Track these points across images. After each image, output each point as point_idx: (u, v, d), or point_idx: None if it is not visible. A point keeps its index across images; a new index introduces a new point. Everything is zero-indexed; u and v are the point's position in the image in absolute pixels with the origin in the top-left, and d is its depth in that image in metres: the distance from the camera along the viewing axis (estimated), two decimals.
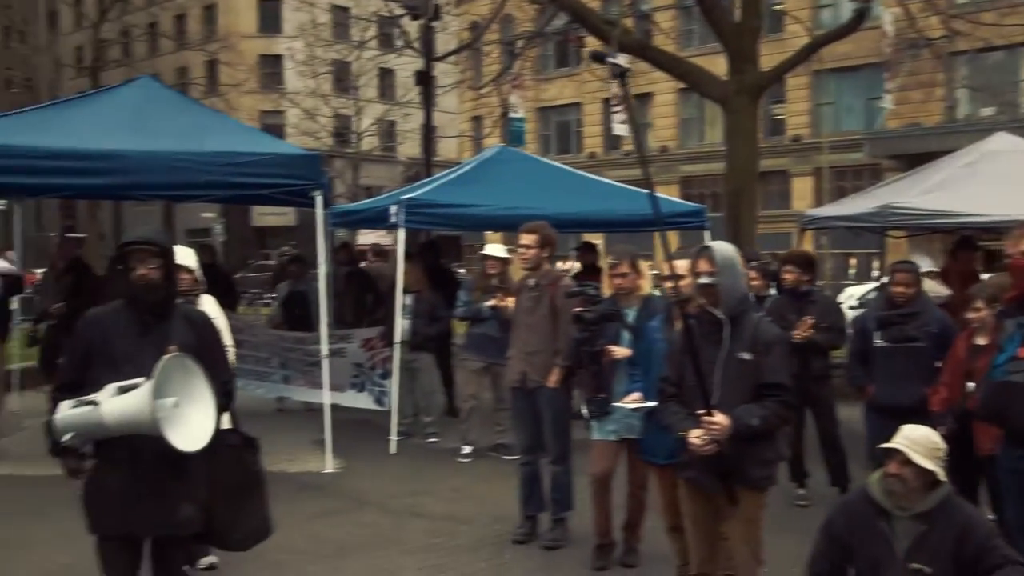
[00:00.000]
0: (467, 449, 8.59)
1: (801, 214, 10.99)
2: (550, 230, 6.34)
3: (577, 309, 5.57)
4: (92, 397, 3.52)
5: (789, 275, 7.17)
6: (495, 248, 8.79)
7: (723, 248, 4.21)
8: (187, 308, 4.03)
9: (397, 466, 8.26)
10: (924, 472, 3.75)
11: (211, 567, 5.32)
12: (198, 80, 40.87)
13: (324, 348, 8.29)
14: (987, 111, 26.81)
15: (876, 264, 26.38)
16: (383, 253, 12.65)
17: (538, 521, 6.35)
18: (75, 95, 10.74)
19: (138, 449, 3.59)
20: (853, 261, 28.68)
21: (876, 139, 27.57)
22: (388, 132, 38.15)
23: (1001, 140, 9.53)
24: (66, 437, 3.56)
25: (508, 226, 10.41)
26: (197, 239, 45.87)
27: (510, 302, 7.65)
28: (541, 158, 12.72)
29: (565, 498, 6.26)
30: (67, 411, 3.58)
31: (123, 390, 3.51)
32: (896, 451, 3.78)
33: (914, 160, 15.53)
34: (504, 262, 8.59)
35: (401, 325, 8.94)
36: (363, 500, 7.19)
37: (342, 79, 30.76)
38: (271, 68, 44.52)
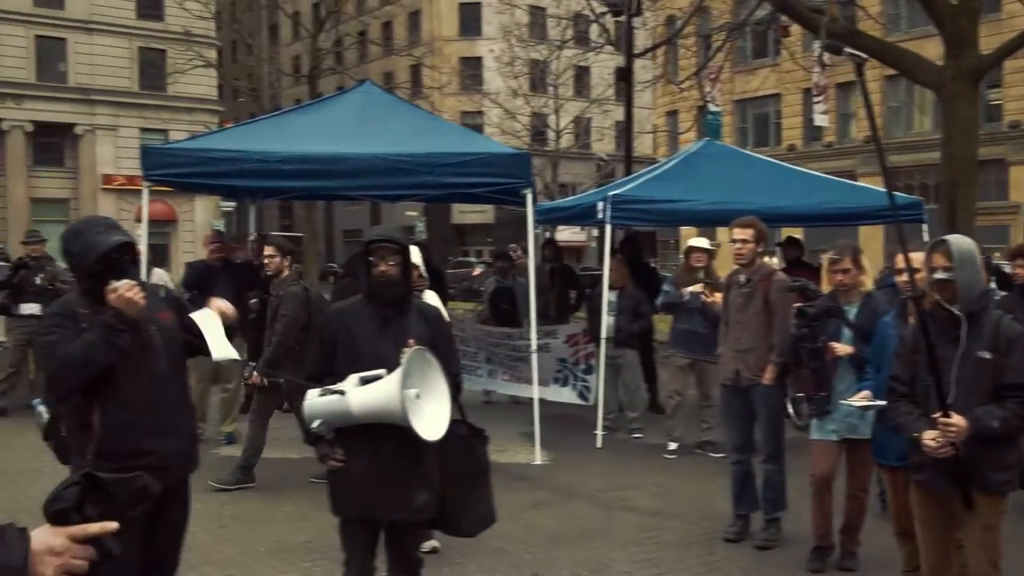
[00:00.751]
0: (673, 446, 8.51)
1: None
2: (763, 224, 6.19)
3: (798, 304, 5.40)
4: (338, 387, 3.72)
5: (1021, 269, 6.70)
6: (701, 241, 8.66)
7: (961, 242, 3.97)
8: (420, 303, 4.20)
9: (604, 460, 8.29)
10: None
11: (433, 551, 5.51)
12: (403, 84, 42.42)
13: (534, 342, 8.43)
14: None
15: None
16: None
17: (750, 520, 6.23)
18: (306, 103, 11.44)
19: (380, 438, 3.76)
20: None
21: None
22: (583, 130, 38.35)
23: None
24: (315, 424, 3.75)
25: (714, 221, 10.29)
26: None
27: (717, 297, 7.54)
28: (745, 151, 12.41)
29: (778, 497, 6.11)
30: (315, 399, 3.76)
31: (364, 381, 3.70)
32: None
33: None
34: (710, 255, 8.46)
35: (606, 321, 8.96)
36: (573, 492, 7.26)
37: (540, 78, 31.16)
38: (471, 70, 45.68)
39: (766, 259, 7.46)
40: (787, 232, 11.84)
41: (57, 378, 3.33)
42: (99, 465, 3.26)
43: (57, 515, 1.67)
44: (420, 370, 3.70)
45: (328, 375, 3.87)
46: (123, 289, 3.37)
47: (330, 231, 45.33)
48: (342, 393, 3.70)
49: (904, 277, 4.47)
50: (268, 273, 7.45)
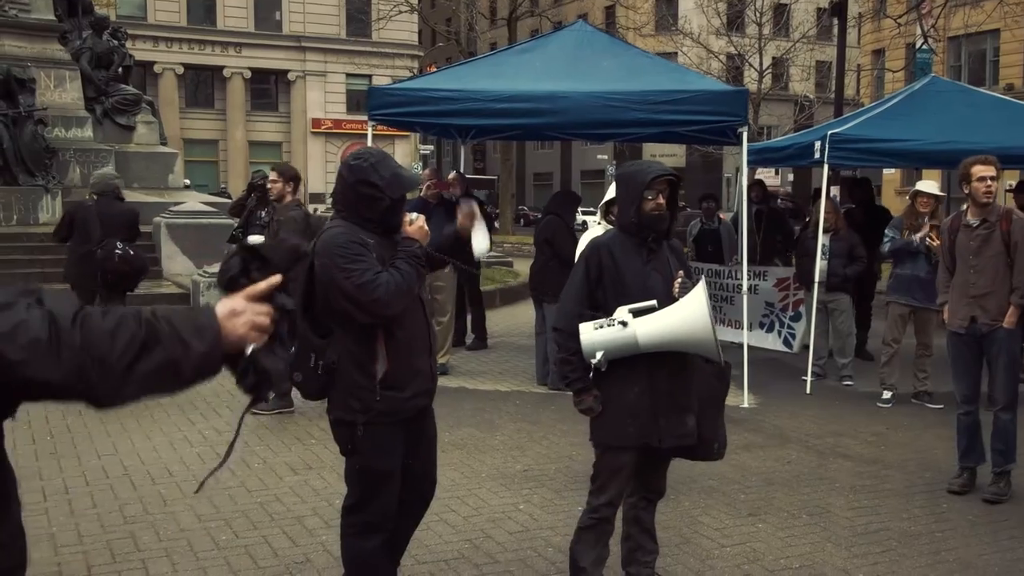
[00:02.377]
0: (887, 395, 8.14)
1: None
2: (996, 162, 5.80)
3: None
4: (616, 319, 3.75)
5: None
6: (928, 184, 8.16)
7: None
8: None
9: (814, 406, 8.05)
10: None
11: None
12: (598, 26, 41.94)
13: (745, 282, 8.25)
14: None
15: None
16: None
17: (976, 473, 5.94)
18: (520, 42, 11.50)
19: (653, 366, 3.82)
20: None
21: None
22: (782, 70, 36.76)
23: None
24: (597, 357, 3.78)
25: (941, 162, 9.65)
26: (589, 180, 47.55)
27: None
28: (977, 88, 11.53)
29: (1010, 449, 5.80)
30: (593, 332, 3.79)
31: (636, 312, 3.75)
32: None
33: None
34: (937, 200, 7.97)
35: (819, 265, 8.63)
36: (784, 436, 7.10)
37: (739, 16, 30.01)
38: (667, 9, 44.56)
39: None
40: (1017, 176, 11.01)
41: (383, 304, 3.39)
42: (386, 394, 3.48)
43: (229, 282, 1.89)
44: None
45: (592, 307, 3.89)
46: (420, 222, 3.59)
47: (522, 174, 45.72)
48: (624, 324, 3.72)
49: None
50: (271, 198, 7.51)
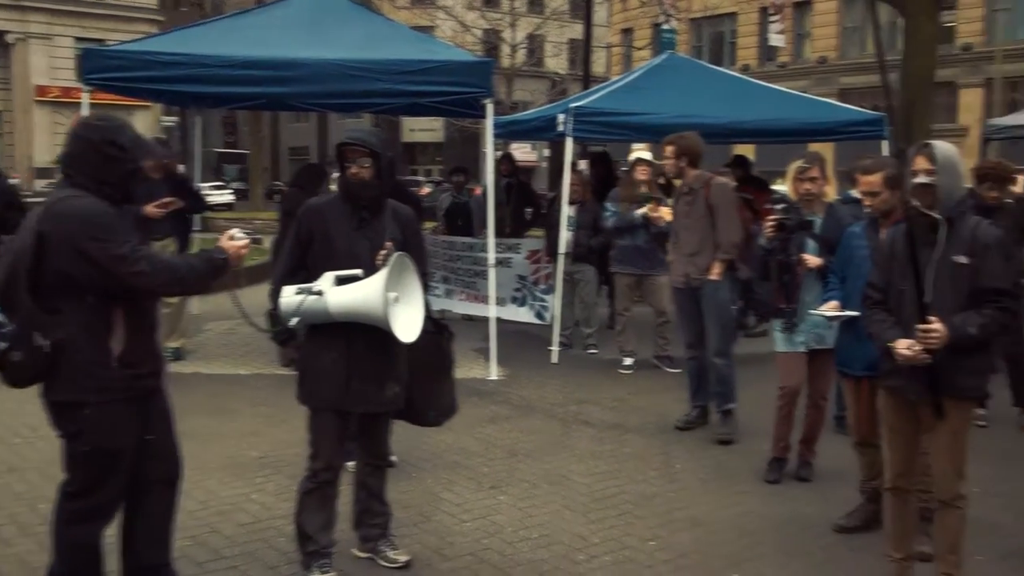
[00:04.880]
0: (628, 361, 8.50)
1: (986, 125, 10.23)
2: (688, 140, 6.57)
3: (776, 218, 5.36)
4: (315, 286, 3.80)
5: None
6: (646, 152, 8.51)
7: (944, 146, 3.90)
8: (396, 205, 4.16)
9: (559, 376, 8.27)
10: None
11: (391, 465, 5.42)
12: None
13: (491, 256, 8.30)
14: None
15: None
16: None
17: (707, 413, 6.67)
18: (253, 7, 10.95)
19: (352, 333, 3.89)
20: (1022, 178, 26.82)
21: None
22: (536, 47, 37.70)
23: None
24: (292, 322, 3.83)
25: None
26: None
27: (665, 212, 7.54)
28: (714, 67, 12.20)
29: (728, 390, 6.47)
30: (292, 297, 3.83)
31: (341, 280, 3.80)
32: None
33: None
34: (654, 167, 8.33)
35: (564, 236, 8.85)
36: (529, 407, 7.23)
37: None
38: None
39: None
40: (740, 148, 11.78)
41: (146, 276, 3.32)
42: (123, 371, 3.37)
43: None
44: (399, 274, 3.81)
45: (301, 268, 3.95)
46: (242, 243, 3.58)
47: (276, 148, 44.35)
48: (320, 293, 3.77)
49: (867, 200, 4.55)
50: None
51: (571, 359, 8.88)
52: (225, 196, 35.85)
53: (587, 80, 15.57)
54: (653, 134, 9.33)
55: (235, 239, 3.57)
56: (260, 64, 7.56)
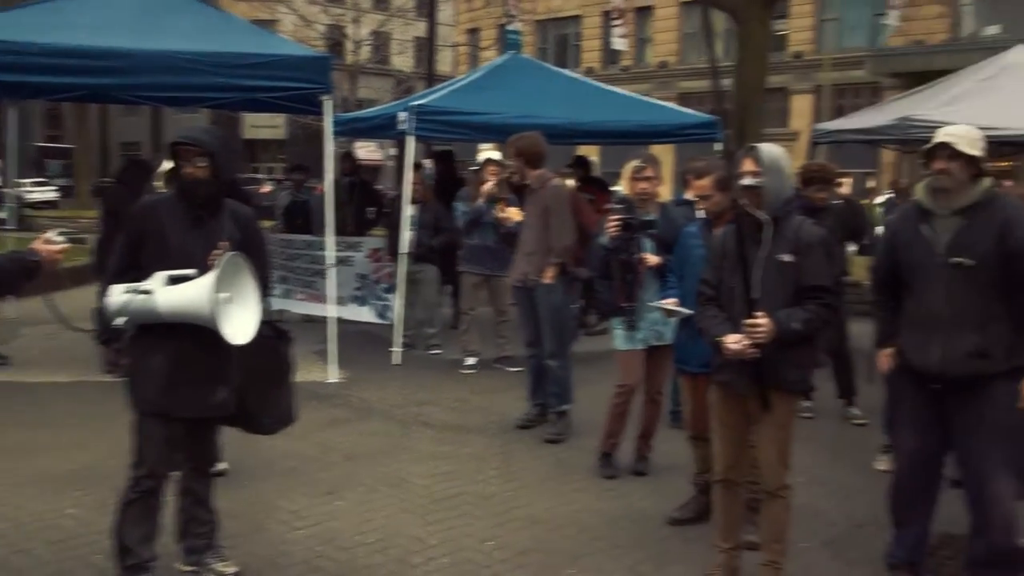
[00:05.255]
0: (470, 361, 8.53)
1: (814, 130, 10.77)
2: (527, 141, 6.62)
3: (621, 217, 5.47)
4: (145, 285, 3.67)
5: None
6: (495, 153, 8.58)
7: (770, 149, 4.07)
8: (235, 205, 4.05)
9: (401, 377, 8.21)
10: (970, 163, 3.83)
11: (221, 473, 5.25)
12: None
13: (331, 257, 8.16)
14: (992, 29, 26.32)
15: (871, 183, 26.19)
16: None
17: (546, 410, 6.73)
18: None
19: (180, 335, 3.75)
20: (848, 180, 28.42)
21: (879, 57, 27.12)
22: (381, 43, 37.39)
23: (1020, 53, 9.30)
24: (119, 321, 3.69)
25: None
26: None
27: (513, 212, 7.59)
28: (556, 68, 12.39)
29: (564, 392, 6.59)
30: (120, 296, 3.69)
31: (173, 280, 3.68)
32: (942, 145, 3.85)
33: (917, 79, 15.24)
34: (503, 167, 8.39)
35: (406, 236, 8.78)
36: (369, 409, 7.14)
37: None
38: None
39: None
40: (584, 149, 12.02)
41: None
42: None
43: None
44: (233, 274, 3.70)
45: (133, 268, 3.80)
46: (58, 248, 3.50)
47: (105, 143, 42.26)
48: (149, 292, 3.65)
49: (700, 203, 4.72)
50: None
51: (413, 360, 8.83)
52: (48, 193, 34.00)
53: (431, 79, 15.54)
54: (495, 134, 9.40)
55: (51, 242, 3.45)
56: (81, 53, 7.15)
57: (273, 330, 4.14)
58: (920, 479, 4.14)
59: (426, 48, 17.25)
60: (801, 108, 31.11)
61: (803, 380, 4.09)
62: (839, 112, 24.82)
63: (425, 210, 9.01)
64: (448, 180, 10.20)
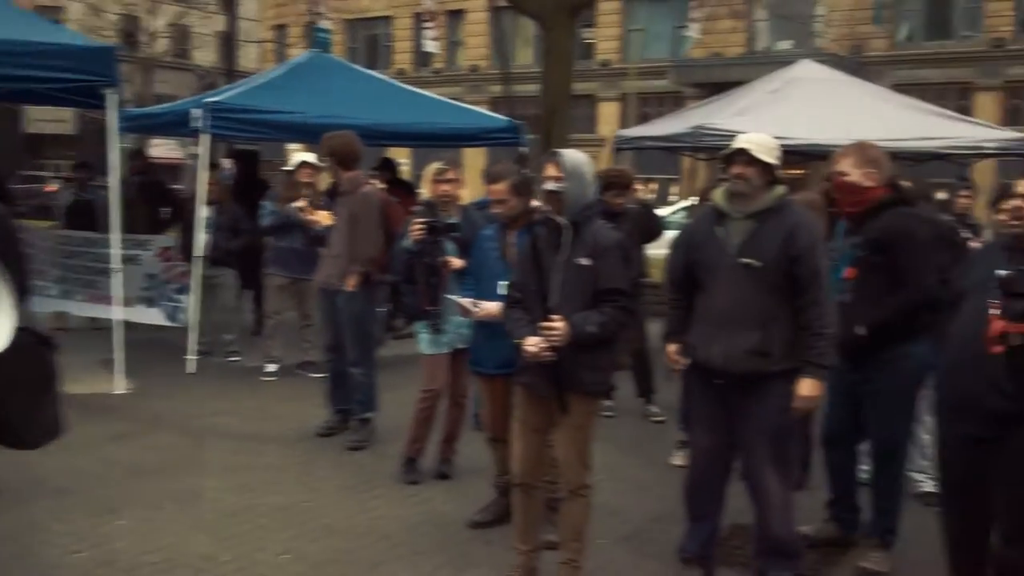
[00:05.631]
0: (271, 367, 8.30)
1: (616, 136, 11.14)
2: (337, 141, 6.46)
3: (426, 220, 5.43)
4: None
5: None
6: (309, 155, 8.40)
7: (572, 155, 4.16)
8: None
9: (196, 386, 7.88)
10: (766, 169, 4.00)
11: None
12: None
13: (117, 259, 7.73)
14: (785, 44, 28.12)
15: (675, 189, 27.44)
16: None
17: (348, 417, 6.62)
18: None
19: None
20: (653, 186, 29.61)
21: (681, 67, 28.48)
22: (181, 36, 35.97)
23: (804, 68, 9.95)
24: None
25: (320, 136, 10.00)
26: None
27: (321, 216, 7.43)
28: (360, 68, 12.23)
29: (368, 399, 6.50)
30: None
31: None
32: (740, 151, 4.02)
33: (716, 89, 16.09)
34: (318, 170, 8.24)
35: (202, 238, 8.45)
36: (159, 422, 6.81)
37: None
38: None
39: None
40: (394, 152, 11.95)
41: None
42: None
43: None
44: None
45: None
46: None
47: None
48: None
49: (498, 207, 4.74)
50: None
51: (210, 368, 8.50)
52: None
53: (231, 74, 15.08)
54: (297, 133, 9.21)
55: None
56: None
57: (34, 336, 3.85)
58: (711, 474, 4.31)
59: (229, 43, 16.70)
60: (608, 115, 32.15)
61: (601, 383, 4.18)
62: (644, 119, 25.74)
63: (222, 212, 8.70)
64: (250, 181, 9.89)
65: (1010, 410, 3.40)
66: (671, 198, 25.58)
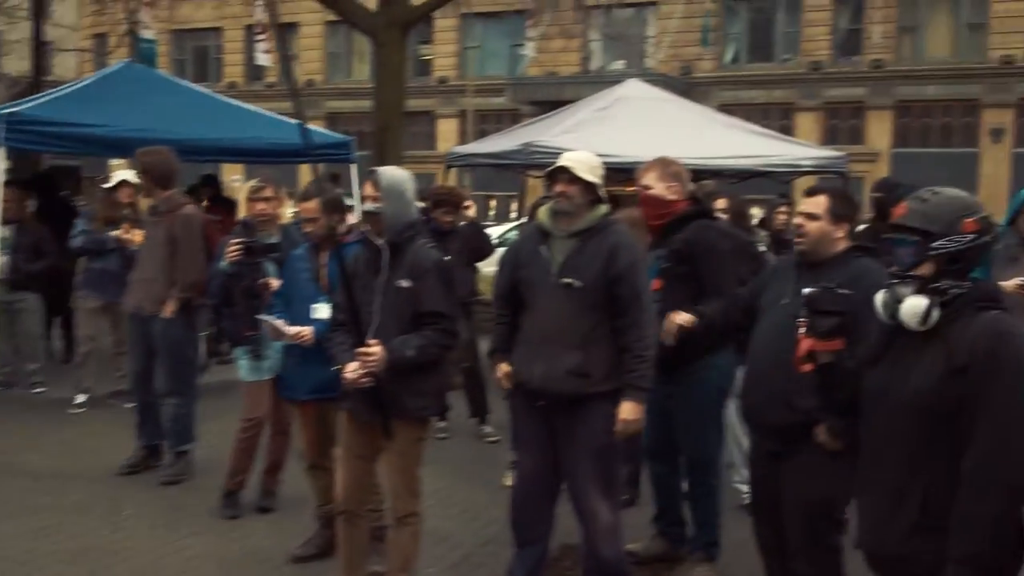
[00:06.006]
0: (81, 398, 7.83)
1: (448, 153, 11.12)
2: (153, 157, 6.09)
3: (243, 240, 5.20)
4: None
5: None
6: (129, 173, 7.97)
7: (390, 172, 4.07)
8: None
9: None
10: (588, 188, 3.98)
11: None
12: None
13: None
14: (618, 64, 28.92)
15: (515, 206, 27.71)
16: None
17: (159, 452, 6.28)
18: None
19: None
20: (493, 203, 29.85)
21: (518, 85, 28.89)
22: None
23: (632, 87, 10.20)
24: None
25: (131, 150, 9.53)
26: None
27: (137, 235, 7.08)
28: (178, 80, 11.75)
29: (184, 431, 6.16)
30: None
31: None
32: (563, 169, 4.00)
33: (552, 107, 16.30)
34: (137, 189, 7.84)
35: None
36: None
37: None
38: None
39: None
40: (230, 169, 11.54)
41: None
42: None
43: None
44: None
45: None
46: None
47: None
48: None
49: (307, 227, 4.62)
50: None
51: (11, 401, 7.97)
52: None
53: (38, 85, 14.27)
54: (103, 147, 8.73)
55: None
56: None
57: None
58: (537, 496, 4.27)
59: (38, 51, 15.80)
60: (447, 132, 32.22)
61: (425, 407, 4.10)
62: (483, 136, 26.00)
63: (22, 232, 8.13)
64: (51, 200, 9.31)
65: (795, 424, 3.49)
66: (512, 215, 25.81)
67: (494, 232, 20.95)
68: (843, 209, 3.61)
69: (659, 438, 4.83)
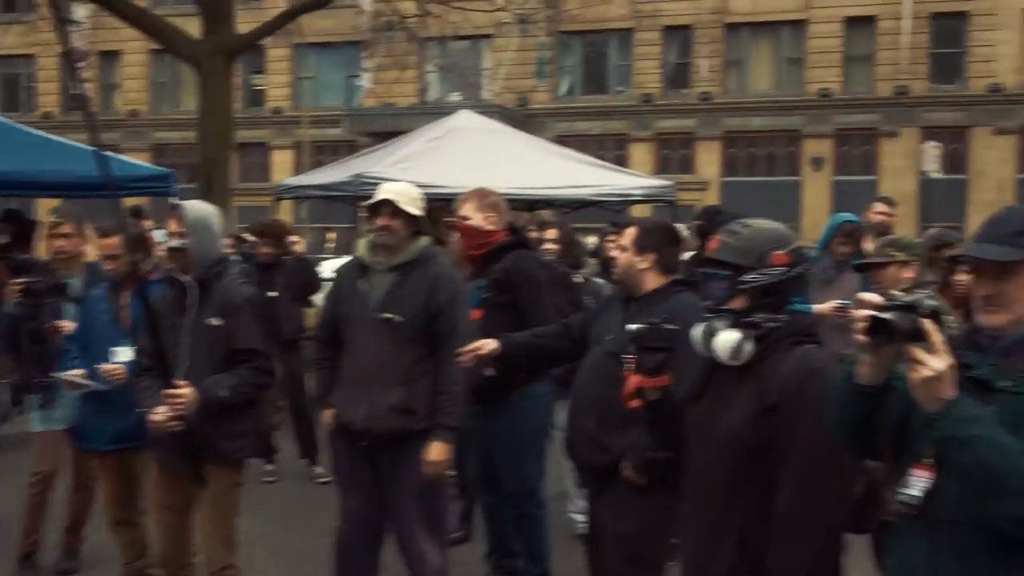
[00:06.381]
0: None
1: (278, 185, 10.88)
2: None
3: (22, 280, 4.86)
4: None
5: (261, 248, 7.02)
6: None
7: (196, 207, 3.91)
8: None
9: None
10: (411, 220, 3.91)
11: None
12: None
13: None
14: (454, 96, 29.15)
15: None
16: None
17: None
18: None
19: None
20: (332, 235, 29.44)
21: (354, 116, 28.69)
22: None
23: (465, 118, 10.24)
24: None
25: None
26: None
27: None
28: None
29: None
30: None
31: None
32: (385, 202, 3.89)
33: (389, 138, 16.24)
34: None
35: None
36: None
37: None
38: None
39: None
40: (45, 203, 10.88)
41: None
42: None
43: None
44: None
45: None
46: None
47: None
48: None
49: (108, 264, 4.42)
50: None
51: None
52: None
53: None
54: None
55: None
56: None
57: None
58: (362, 541, 4.14)
59: None
60: (282, 163, 31.65)
61: (241, 449, 3.95)
62: (318, 168, 25.64)
63: None
64: None
65: (607, 462, 3.49)
66: (352, 248, 25.44)
67: (332, 265, 20.77)
68: (647, 240, 3.58)
69: (485, 468, 4.80)
